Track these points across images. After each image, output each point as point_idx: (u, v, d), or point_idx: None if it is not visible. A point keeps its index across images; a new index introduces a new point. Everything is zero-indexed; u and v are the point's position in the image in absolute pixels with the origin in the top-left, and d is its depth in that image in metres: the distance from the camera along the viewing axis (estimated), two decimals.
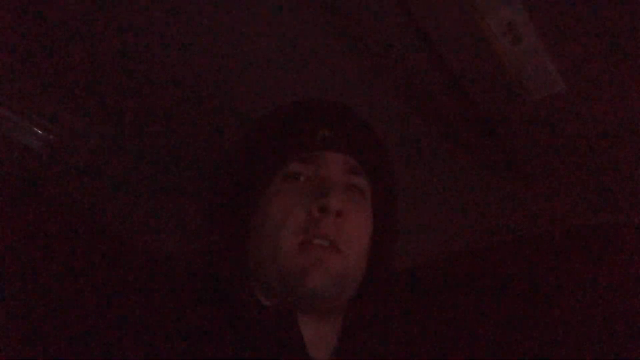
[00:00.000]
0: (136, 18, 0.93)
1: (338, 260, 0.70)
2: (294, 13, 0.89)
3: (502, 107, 0.94)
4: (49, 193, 1.25)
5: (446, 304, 1.25)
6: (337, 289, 0.70)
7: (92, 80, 1.06)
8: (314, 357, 0.70)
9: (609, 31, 0.82)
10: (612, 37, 0.82)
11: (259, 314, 0.71)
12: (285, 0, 0.88)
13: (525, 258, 1.21)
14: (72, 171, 1.22)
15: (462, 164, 1.14)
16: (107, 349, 0.66)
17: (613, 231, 1.14)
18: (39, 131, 1.13)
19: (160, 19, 0.93)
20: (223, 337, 0.69)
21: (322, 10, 0.89)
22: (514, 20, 0.80)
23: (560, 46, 0.85)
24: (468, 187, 1.18)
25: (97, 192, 1.27)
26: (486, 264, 1.25)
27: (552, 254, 1.19)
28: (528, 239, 1.22)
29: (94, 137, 1.17)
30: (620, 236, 1.14)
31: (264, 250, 0.72)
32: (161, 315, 0.70)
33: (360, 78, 1.00)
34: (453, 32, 0.84)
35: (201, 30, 0.94)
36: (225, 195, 0.79)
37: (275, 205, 0.72)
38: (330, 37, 0.93)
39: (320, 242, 0.70)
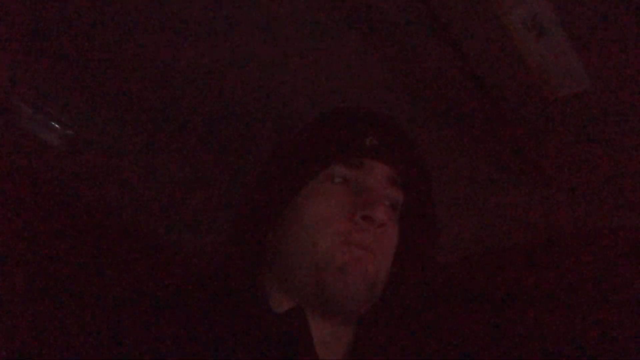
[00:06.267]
0: (154, 17, 0.93)
1: (374, 265, 0.71)
2: (320, 20, 0.90)
3: (525, 105, 0.91)
4: (66, 189, 1.25)
5: (461, 310, 1.23)
6: (367, 293, 0.70)
7: (110, 76, 1.06)
8: None
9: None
10: None
11: (270, 318, 0.70)
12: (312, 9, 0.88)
13: (545, 261, 1.20)
14: (90, 167, 1.22)
15: (480, 164, 1.12)
16: (116, 349, 0.66)
17: (633, 234, 1.11)
18: (58, 126, 1.13)
19: (185, 17, 0.93)
20: (233, 340, 0.68)
21: (344, 13, 0.89)
22: (538, 14, 0.78)
23: (587, 41, 0.82)
24: (486, 188, 1.16)
25: (115, 188, 1.28)
26: (503, 268, 1.23)
27: (570, 257, 1.17)
28: (547, 242, 1.20)
29: (112, 132, 1.18)
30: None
31: (298, 247, 0.72)
32: (170, 314, 0.70)
33: (381, 80, 0.99)
34: (475, 25, 0.82)
35: (227, 31, 0.94)
36: (260, 187, 0.79)
37: (315, 203, 0.73)
38: (348, 35, 0.92)
39: (360, 247, 0.70)
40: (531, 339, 1.15)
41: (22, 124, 1.11)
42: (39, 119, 1.11)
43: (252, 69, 1.01)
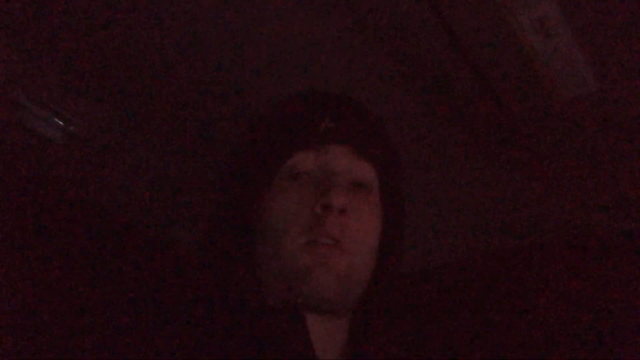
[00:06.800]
0: (150, 13, 0.93)
1: (343, 260, 0.68)
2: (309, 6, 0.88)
3: (530, 106, 0.91)
4: (67, 184, 1.25)
5: (457, 305, 1.23)
6: (342, 289, 0.68)
7: (111, 73, 1.06)
8: (321, 357, 0.68)
9: None
10: None
11: (265, 314, 0.69)
12: None
13: (537, 262, 1.20)
14: (91, 163, 1.22)
15: (477, 163, 1.11)
16: (110, 345, 0.65)
17: (628, 237, 1.12)
18: (59, 122, 1.13)
19: (174, 12, 0.92)
20: (229, 335, 0.67)
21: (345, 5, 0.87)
22: (545, 15, 0.77)
23: (595, 43, 0.81)
24: (483, 187, 1.16)
25: (114, 184, 1.28)
26: (498, 266, 1.23)
27: (564, 258, 1.17)
28: (540, 242, 1.20)
29: (113, 128, 1.17)
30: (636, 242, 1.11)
31: (268, 250, 0.71)
32: (166, 312, 0.69)
33: (382, 76, 0.98)
34: (481, 27, 0.81)
35: (215, 23, 0.93)
36: (231, 192, 0.77)
37: (279, 204, 0.71)
38: (354, 34, 0.92)
39: (325, 241, 0.68)
40: (527, 338, 1.15)
41: (24, 120, 1.11)
42: (41, 115, 1.11)
43: (250, 67, 1.01)
